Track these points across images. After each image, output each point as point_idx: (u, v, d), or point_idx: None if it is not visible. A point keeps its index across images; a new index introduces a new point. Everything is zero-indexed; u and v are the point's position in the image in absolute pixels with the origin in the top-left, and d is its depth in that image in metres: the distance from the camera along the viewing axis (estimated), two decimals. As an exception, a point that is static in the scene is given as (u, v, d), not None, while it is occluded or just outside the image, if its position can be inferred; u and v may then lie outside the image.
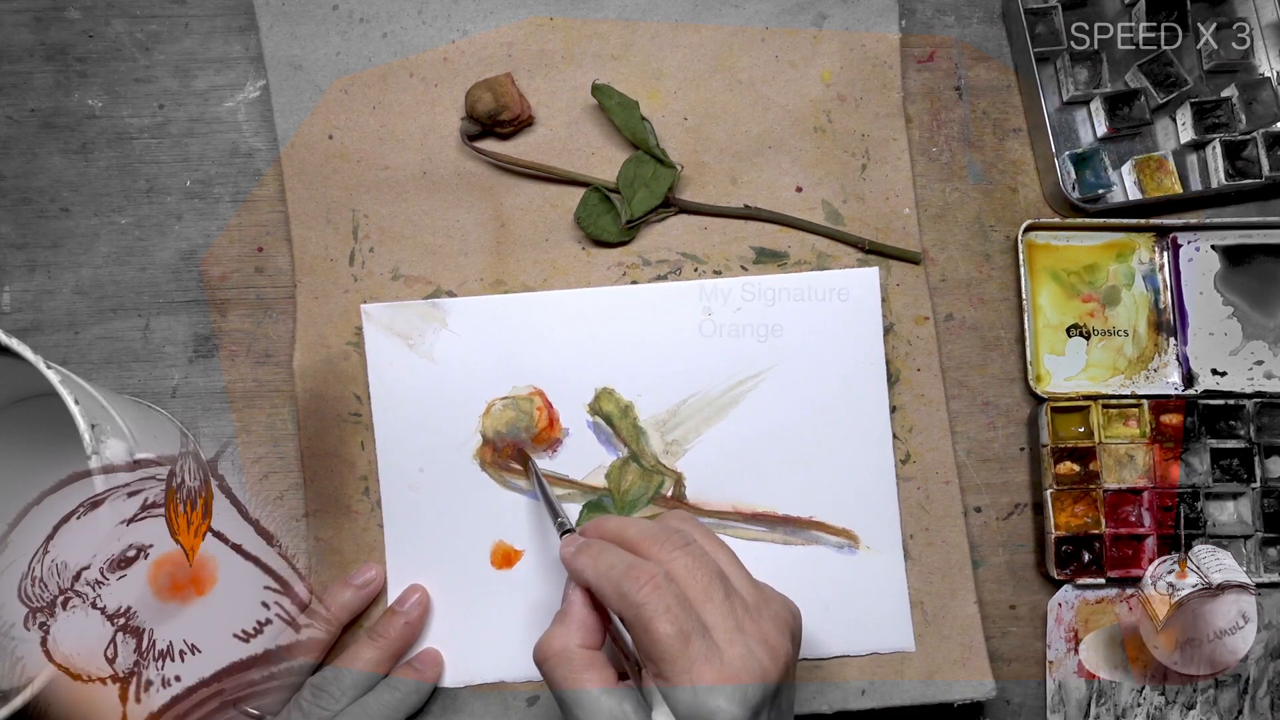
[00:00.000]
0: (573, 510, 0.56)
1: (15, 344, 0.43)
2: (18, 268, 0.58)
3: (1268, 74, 0.60)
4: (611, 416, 0.57)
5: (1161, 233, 0.59)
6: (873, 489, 0.56)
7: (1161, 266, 0.59)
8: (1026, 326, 0.58)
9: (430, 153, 0.58)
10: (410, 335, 0.57)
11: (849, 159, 0.59)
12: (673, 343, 0.57)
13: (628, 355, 0.57)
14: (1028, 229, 0.58)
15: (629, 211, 0.57)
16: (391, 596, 0.55)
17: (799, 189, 0.58)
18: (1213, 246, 0.59)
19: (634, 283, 0.58)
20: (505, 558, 0.56)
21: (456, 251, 0.58)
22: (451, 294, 0.57)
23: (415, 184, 0.58)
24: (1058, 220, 0.58)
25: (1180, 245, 0.59)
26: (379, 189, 0.58)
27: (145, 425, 0.51)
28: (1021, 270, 0.58)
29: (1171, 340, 0.59)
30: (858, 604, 0.56)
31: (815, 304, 0.57)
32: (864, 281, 0.57)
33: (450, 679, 0.55)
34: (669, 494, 0.56)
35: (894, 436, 0.57)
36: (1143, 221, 0.58)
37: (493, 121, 0.57)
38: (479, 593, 0.56)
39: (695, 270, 0.58)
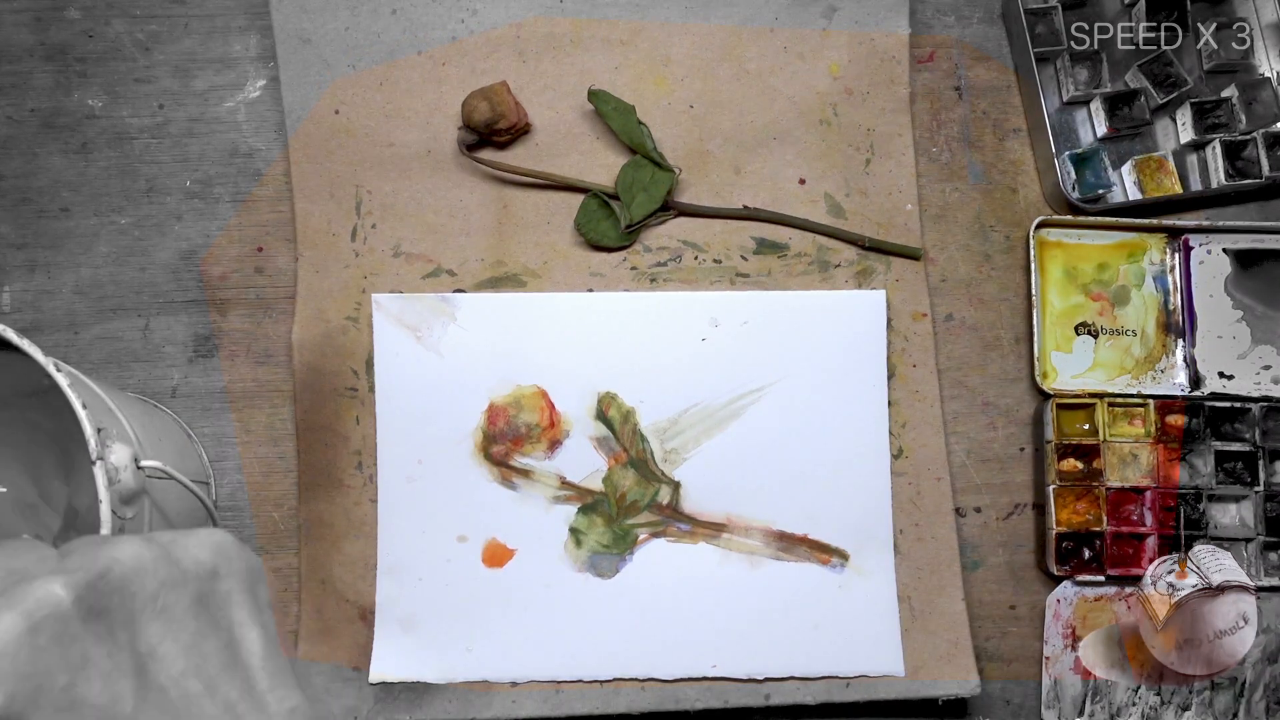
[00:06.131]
0: (569, 512, 0.56)
1: (26, 345, 0.43)
2: (18, 268, 0.58)
3: (1268, 74, 0.60)
4: (613, 421, 0.57)
5: (1173, 234, 0.59)
6: (869, 512, 0.56)
7: (1172, 268, 0.59)
8: (1035, 322, 0.58)
9: (435, 131, 0.58)
10: (419, 328, 0.57)
11: (853, 153, 0.58)
12: (678, 352, 0.57)
13: (632, 361, 0.57)
14: (1040, 225, 0.58)
15: (628, 216, 0.57)
16: (381, 584, 0.55)
17: (802, 181, 0.58)
18: (1224, 250, 0.59)
19: (634, 269, 0.58)
20: (496, 556, 0.56)
21: (458, 231, 0.58)
22: (452, 273, 0.57)
23: (419, 162, 0.58)
24: (1071, 218, 0.58)
25: (1192, 247, 0.59)
26: (383, 165, 0.58)
27: (150, 425, 0.51)
28: (1031, 266, 0.58)
29: (1180, 341, 0.58)
30: (848, 626, 0.55)
31: (821, 323, 0.57)
32: (870, 304, 0.57)
33: (434, 675, 0.55)
34: (665, 502, 0.56)
35: (888, 433, 0.57)
36: (1154, 222, 0.58)
37: (490, 130, 0.57)
38: (468, 590, 0.56)
39: (695, 259, 0.58)
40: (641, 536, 0.56)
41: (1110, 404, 0.57)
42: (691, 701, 0.55)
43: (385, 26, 0.58)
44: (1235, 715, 0.56)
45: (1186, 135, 0.59)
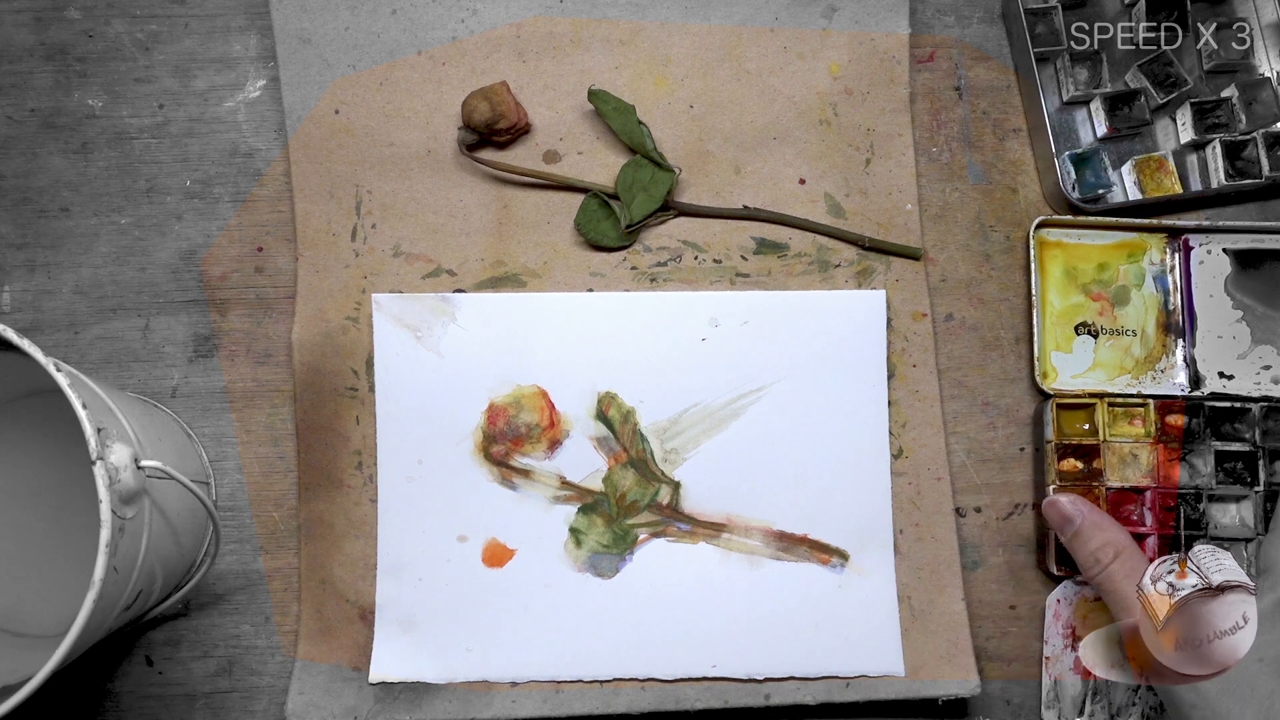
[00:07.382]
0: (569, 512, 0.56)
1: (27, 345, 0.43)
2: (18, 268, 0.58)
3: (1268, 74, 0.60)
4: (613, 421, 0.57)
5: (1173, 234, 0.59)
6: (869, 512, 0.56)
7: (1172, 268, 0.59)
8: (1035, 322, 0.58)
9: (435, 131, 0.58)
10: (419, 328, 0.57)
11: (853, 153, 0.59)
12: (678, 352, 0.57)
13: (632, 361, 0.57)
14: (1040, 225, 0.58)
15: (628, 216, 0.57)
16: (381, 584, 0.55)
17: (802, 181, 0.58)
18: (1224, 250, 0.59)
19: (634, 269, 0.58)
20: (497, 557, 0.56)
21: (459, 231, 0.58)
22: (452, 273, 0.57)
23: (419, 162, 0.58)
24: (1071, 218, 0.58)
25: (1192, 247, 0.59)
26: (383, 165, 0.58)
27: (150, 425, 0.51)
28: (1031, 266, 0.58)
29: (1180, 342, 0.58)
30: (848, 625, 0.55)
31: (821, 323, 0.57)
32: (870, 304, 0.57)
33: (434, 675, 0.55)
34: (665, 502, 0.56)
35: (888, 433, 0.57)
36: (1154, 222, 0.58)
37: (490, 131, 0.57)
38: (468, 590, 0.56)
39: (695, 259, 0.58)
40: (641, 536, 0.56)
41: (1110, 404, 0.57)
42: (691, 701, 0.55)
43: (385, 26, 0.58)
44: (1235, 715, 0.56)
45: (1186, 135, 0.59)
